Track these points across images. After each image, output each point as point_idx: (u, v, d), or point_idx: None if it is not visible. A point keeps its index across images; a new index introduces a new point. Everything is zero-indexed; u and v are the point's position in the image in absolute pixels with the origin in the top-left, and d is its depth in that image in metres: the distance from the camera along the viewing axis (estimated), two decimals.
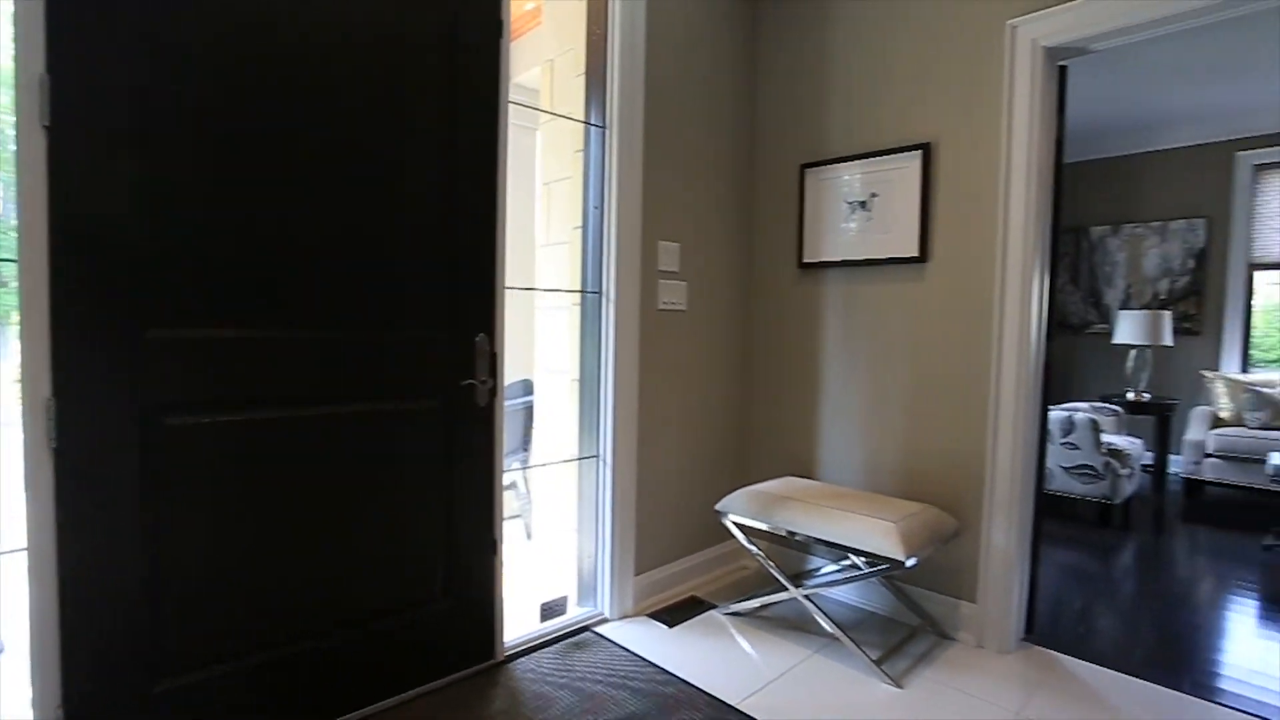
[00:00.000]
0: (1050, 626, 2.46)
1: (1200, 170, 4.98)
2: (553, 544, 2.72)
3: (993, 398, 2.25)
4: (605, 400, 2.35)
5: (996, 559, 2.25)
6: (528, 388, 3.24)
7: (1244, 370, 4.92)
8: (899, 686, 2.01)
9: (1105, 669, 2.15)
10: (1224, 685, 2.08)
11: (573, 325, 2.45)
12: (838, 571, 2.63)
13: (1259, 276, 4.91)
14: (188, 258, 1.44)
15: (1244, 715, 1.91)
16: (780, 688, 1.98)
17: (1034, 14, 2.10)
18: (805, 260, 2.74)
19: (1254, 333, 4.95)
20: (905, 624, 2.42)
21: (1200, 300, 5.01)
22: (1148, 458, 4.87)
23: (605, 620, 2.36)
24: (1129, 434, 4.59)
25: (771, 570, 2.37)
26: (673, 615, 2.44)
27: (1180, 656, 2.27)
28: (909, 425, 2.47)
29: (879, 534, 2.05)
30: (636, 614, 2.44)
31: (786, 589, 2.33)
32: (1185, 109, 4.63)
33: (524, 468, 3.26)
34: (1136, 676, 2.11)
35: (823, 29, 2.66)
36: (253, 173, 1.51)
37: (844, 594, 2.65)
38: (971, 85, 2.27)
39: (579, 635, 2.25)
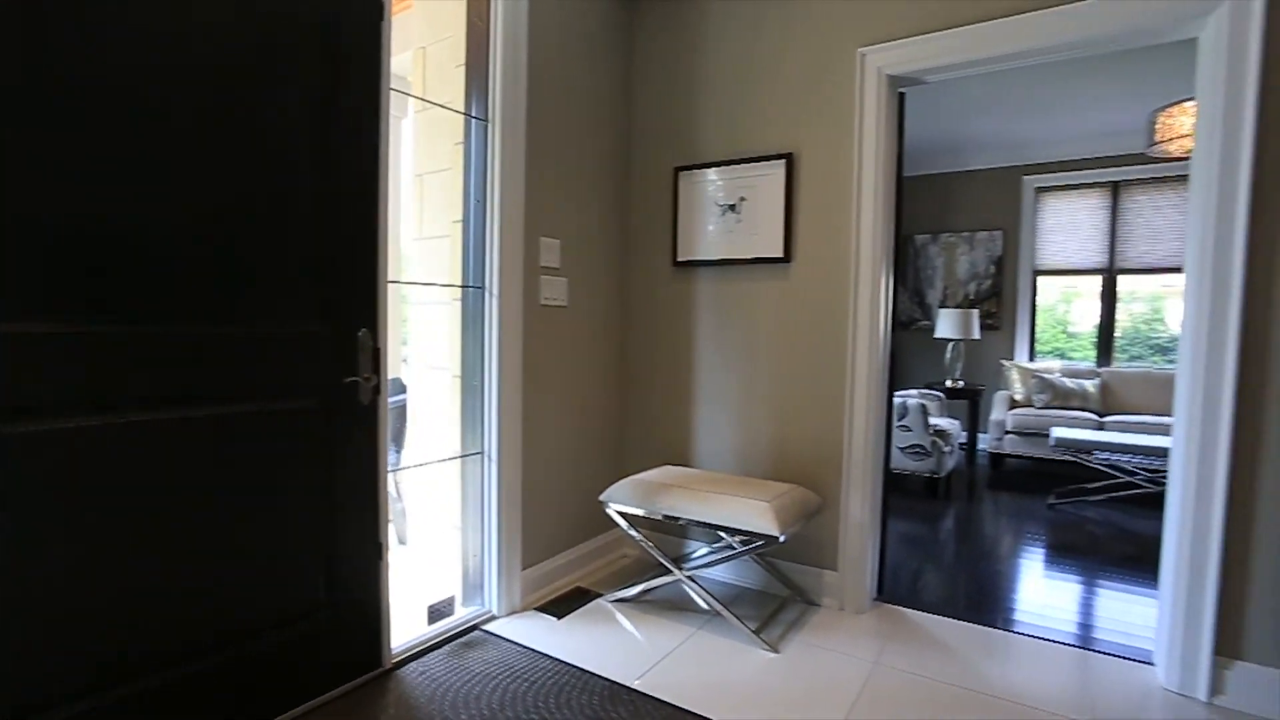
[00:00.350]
0: (895, 586, 2.78)
1: (998, 189, 5.81)
2: (432, 546, 2.64)
3: (848, 386, 2.51)
4: (489, 396, 2.32)
5: (854, 530, 2.51)
6: (399, 386, 3.11)
7: (1031, 359, 5.82)
8: (776, 651, 2.19)
9: (939, 616, 2.48)
10: (1022, 618, 2.49)
11: (454, 321, 2.40)
12: (713, 552, 2.80)
13: (1041, 281, 5.82)
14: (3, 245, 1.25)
15: (1036, 639, 2.31)
16: (670, 664, 2.08)
17: (880, 45, 2.37)
18: (679, 259, 2.87)
19: (1038, 328, 5.87)
20: (776, 595, 2.63)
21: (999, 300, 5.84)
22: (964, 436, 5.60)
23: (494, 617, 2.34)
24: (949, 416, 5.25)
25: (656, 555, 2.47)
26: (561, 607, 2.47)
27: (991, 599, 2.68)
28: (776, 413, 2.68)
29: (755, 514, 2.21)
30: (525, 609, 2.44)
31: (671, 571, 2.45)
32: (987, 137, 5.39)
33: (396, 469, 3.12)
34: (961, 620, 2.46)
35: (694, 41, 2.80)
36: (90, 151, 1.34)
37: (720, 573, 2.81)
38: (828, 103, 2.50)
39: (468, 635, 2.21)
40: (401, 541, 3.11)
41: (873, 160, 2.41)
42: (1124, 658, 2.21)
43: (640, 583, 2.54)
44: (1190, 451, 1.97)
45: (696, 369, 2.87)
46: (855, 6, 2.43)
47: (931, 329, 6.02)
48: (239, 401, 1.58)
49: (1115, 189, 5.38)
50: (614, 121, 2.89)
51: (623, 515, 2.51)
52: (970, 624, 2.44)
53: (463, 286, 2.33)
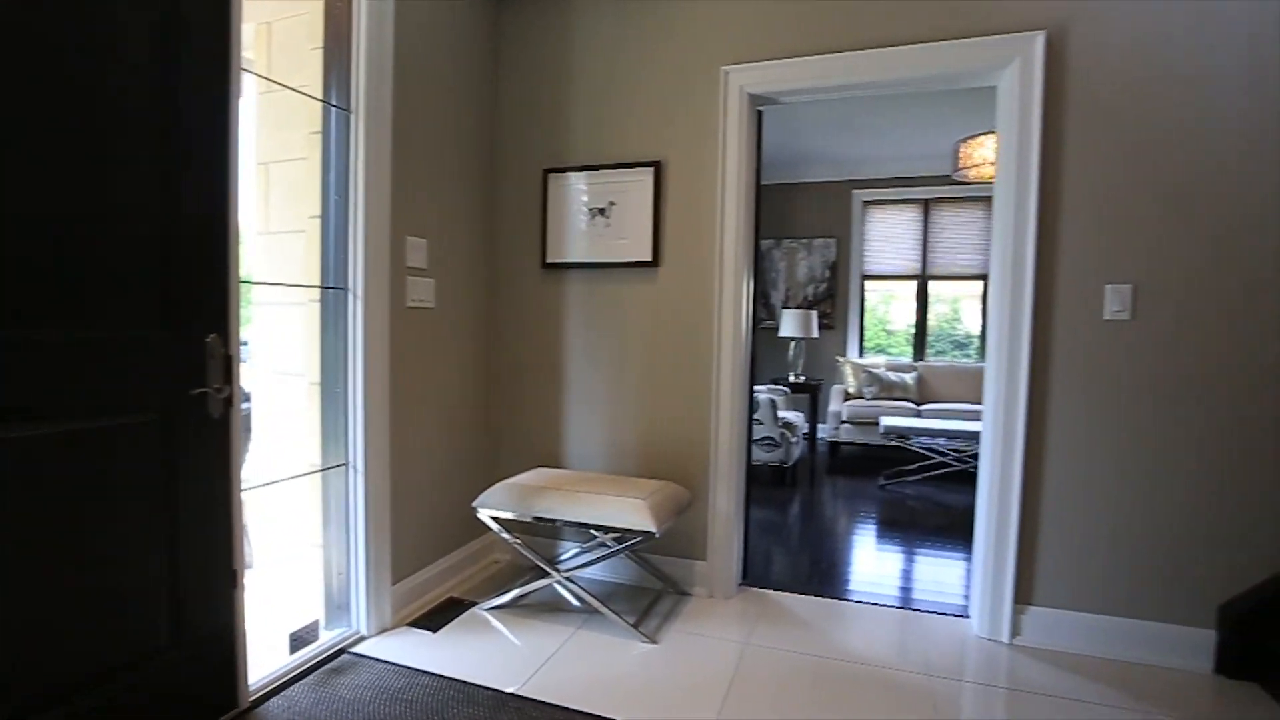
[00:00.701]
0: (757, 570, 2.99)
1: (832, 201, 6.39)
2: (288, 568, 2.43)
3: (714, 384, 2.65)
4: (354, 403, 2.18)
5: (721, 521, 2.67)
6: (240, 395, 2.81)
7: (860, 355, 6.47)
8: (655, 642, 2.27)
9: (796, 594, 2.71)
10: (863, 588, 2.79)
11: (311, 324, 2.22)
12: (585, 551, 2.83)
13: (868, 285, 6.49)
14: None
15: (875, 606, 2.61)
16: (554, 666, 2.09)
17: (742, 65, 2.53)
18: (549, 260, 2.87)
19: (866, 327, 6.54)
20: (650, 588, 2.73)
21: (834, 302, 6.43)
22: (807, 427, 6.10)
23: (363, 638, 2.21)
24: (794, 409, 5.68)
25: (533, 558, 2.46)
26: (435, 619, 2.38)
27: (836, 574, 2.97)
28: (646, 412, 2.78)
29: (631, 511, 2.28)
30: (397, 625, 2.32)
31: (548, 574, 2.45)
32: (823, 153, 5.91)
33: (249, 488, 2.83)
34: (814, 595, 2.70)
35: (562, 48, 2.81)
36: None
37: (594, 571, 2.86)
38: (694, 115, 2.63)
39: (336, 659, 2.07)
40: (247, 565, 2.82)
41: (735, 171, 2.57)
42: (944, 614, 2.55)
43: (515, 587, 2.52)
44: (996, 433, 2.32)
45: (567, 371, 2.89)
46: (720, 29, 2.57)
47: (776, 328, 6.49)
48: (58, 419, 1.37)
49: (927, 205, 6.14)
50: (483, 120, 2.83)
51: (496, 520, 2.47)
52: (821, 598, 2.69)
53: (323, 287, 2.17)
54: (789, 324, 5.74)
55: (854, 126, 5.15)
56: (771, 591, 2.74)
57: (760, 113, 2.68)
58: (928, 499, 4.38)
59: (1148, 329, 2.18)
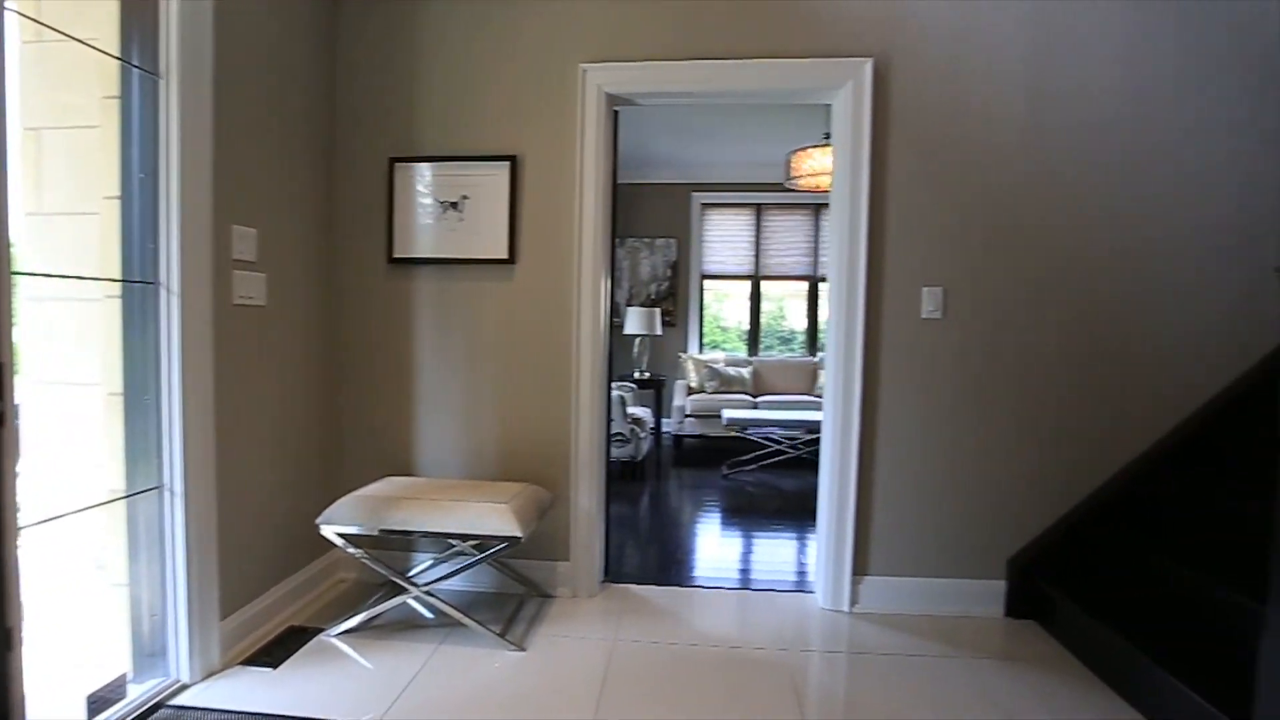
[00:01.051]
0: (617, 566, 3.03)
1: (673, 202, 6.63)
2: (72, 615, 2.04)
3: (574, 382, 2.64)
4: (170, 416, 1.88)
5: (583, 520, 2.66)
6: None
7: (701, 351, 6.79)
8: (523, 649, 2.21)
9: (656, 586, 2.79)
10: (717, 574, 2.95)
11: (109, 324, 1.88)
12: (440, 562, 2.69)
13: (707, 284, 6.82)
14: None
15: (729, 590, 2.77)
16: (418, 688, 1.96)
17: (600, 64, 2.53)
18: (396, 255, 2.69)
19: (705, 324, 6.87)
20: (513, 594, 2.65)
21: (675, 300, 6.69)
22: (653, 422, 6.28)
23: (186, 686, 1.91)
24: (641, 405, 5.82)
25: (387, 574, 2.30)
26: (275, 653, 2.13)
27: (691, 562, 3.10)
28: (504, 413, 2.69)
29: (495, 516, 2.20)
30: (228, 666, 2.04)
31: (405, 590, 2.30)
32: (667, 156, 6.11)
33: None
34: (673, 585, 2.80)
35: (410, 34, 2.63)
36: None
37: (452, 582, 2.72)
38: (553, 111, 2.59)
39: (153, 716, 1.77)
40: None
41: (594, 169, 2.57)
42: (792, 590, 2.76)
43: (365, 608, 2.33)
44: (836, 420, 2.55)
45: (418, 373, 2.72)
46: (578, 27, 2.55)
47: (622, 325, 6.60)
48: None
49: (759, 210, 6.58)
50: (321, 101, 2.56)
51: (344, 537, 2.27)
52: (681, 588, 2.79)
53: (127, 281, 1.84)
54: (634, 321, 5.87)
55: (696, 131, 5.38)
56: (634, 586, 2.79)
57: (617, 113, 2.71)
58: (767, 485, 4.71)
59: (955, 326, 2.51)
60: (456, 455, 2.72)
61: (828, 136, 4.42)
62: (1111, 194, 2.44)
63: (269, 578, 2.33)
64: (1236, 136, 2.39)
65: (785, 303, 6.81)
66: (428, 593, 2.29)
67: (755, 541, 3.46)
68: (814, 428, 4.86)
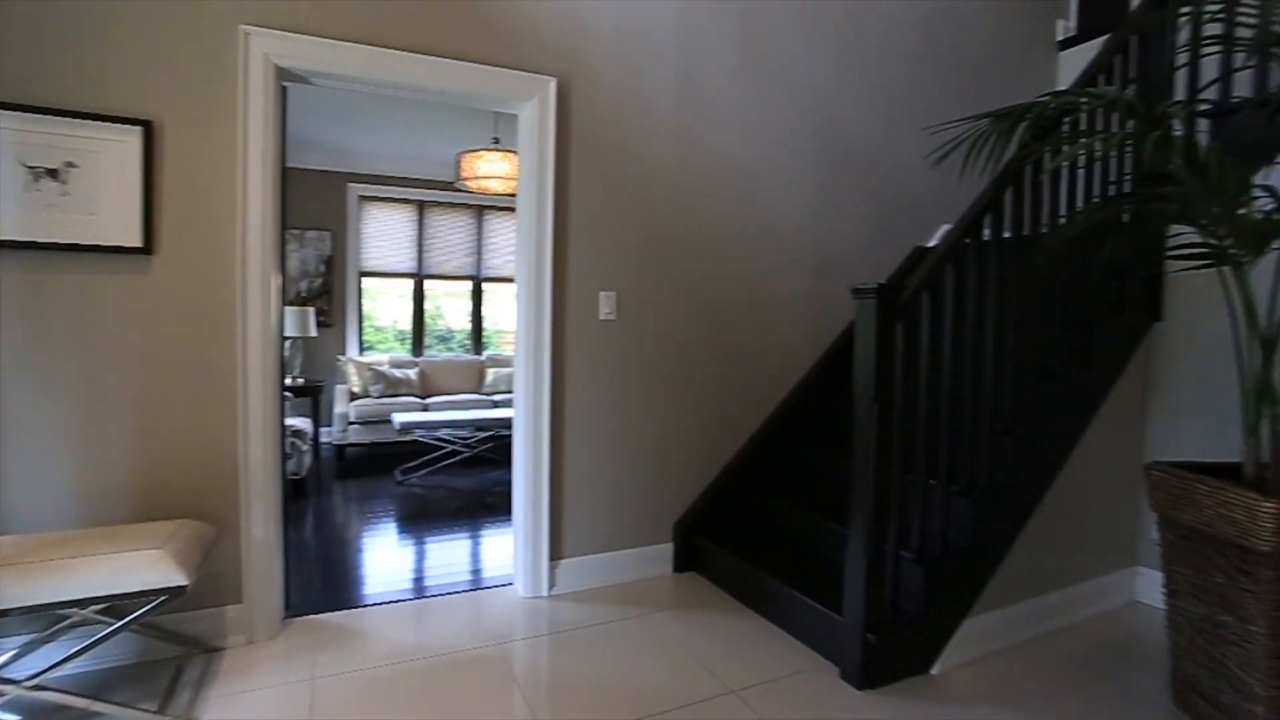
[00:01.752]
0: (297, 597, 2.69)
1: (327, 191, 6.01)
2: None
3: (241, 393, 2.28)
4: None
5: (259, 551, 2.31)
6: None
7: (362, 353, 6.31)
8: None
9: (346, 610, 2.58)
10: (408, 584, 2.87)
11: None
12: (49, 641, 2.05)
13: (365, 281, 6.36)
14: None
15: (426, 599, 2.71)
16: None
17: (266, 30, 2.21)
18: None
19: (365, 324, 6.41)
20: (166, 659, 2.17)
21: (331, 298, 6.09)
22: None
23: None
24: (299, 414, 5.17)
25: None
26: None
27: (383, 577, 2.95)
28: (145, 441, 2.18)
29: (146, 566, 1.79)
30: None
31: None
32: (321, 140, 5.49)
33: None
34: (365, 606, 2.63)
35: None
36: None
37: (74, 665, 2.09)
38: (206, 76, 2.17)
39: None
40: None
41: (260, 148, 2.25)
42: (491, 587, 2.83)
43: None
44: (528, 416, 2.70)
45: (1, 398, 2.03)
46: None
47: None
48: None
49: (422, 207, 6.38)
50: None
51: None
52: (375, 607, 2.63)
53: None
54: (286, 322, 5.18)
55: (360, 120, 4.97)
56: (321, 616, 2.53)
57: (285, 89, 2.40)
58: (444, 487, 4.65)
59: (628, 327, 2.87)
60: (70, 502, 2.10)
61: (496, 140, 4.58)
62: (741, 219, 3.08)
63: None
64: (810, 189, 3.25)
65: (441, 301, 6.73)
66: (37, 686, 1.74)
67: (444, 544, 3.42)
68: (485, 426, 4.97)
